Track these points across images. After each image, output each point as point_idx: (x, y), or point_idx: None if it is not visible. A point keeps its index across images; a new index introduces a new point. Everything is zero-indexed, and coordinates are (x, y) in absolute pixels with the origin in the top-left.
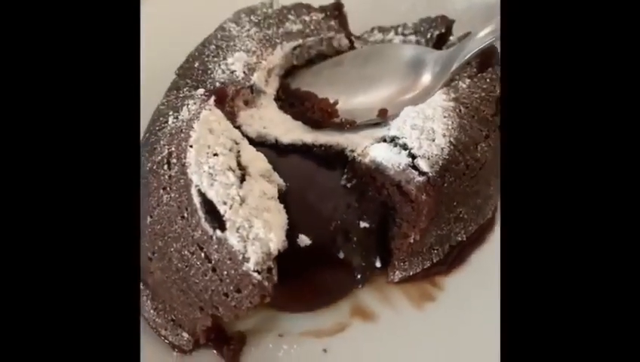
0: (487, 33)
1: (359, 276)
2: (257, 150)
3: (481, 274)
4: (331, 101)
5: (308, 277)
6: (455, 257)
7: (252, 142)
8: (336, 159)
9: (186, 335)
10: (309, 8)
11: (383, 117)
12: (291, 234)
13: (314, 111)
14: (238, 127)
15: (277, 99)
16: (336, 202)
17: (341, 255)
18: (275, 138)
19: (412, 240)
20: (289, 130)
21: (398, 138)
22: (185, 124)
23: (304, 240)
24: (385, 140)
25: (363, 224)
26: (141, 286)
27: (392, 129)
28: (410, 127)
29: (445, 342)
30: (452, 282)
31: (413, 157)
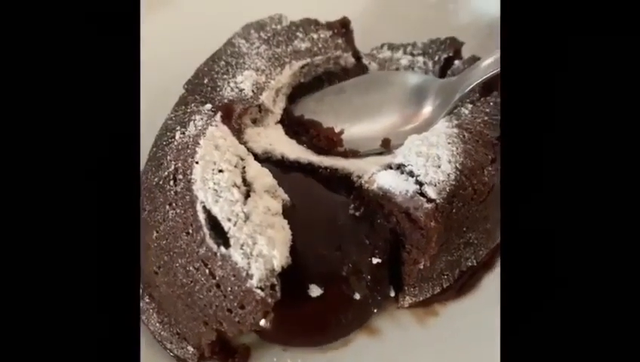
0: (490, 63)
1: (375, 310)
2: (263, 165)
3: (485, 291)
4: (336, 130)
5: (320, 319)
6: (465, 282)
7: (258, 158)
8: (341, 183)
9: (191, 348)
10: (316, 25)
11: (386, 147)
12: (301, 282)
13: (319, 140)
14: (244, 144)
15: (281, 121)
16: (345, 240)
17: (357, 296)
18: (281, 155)
19: (422, 266)
20: (295, 150)
21: (405, 165)
22: (191, 139)
23: (315, 290)
24: (391, 167)
25: (375, 260)
26: (147, 300)
27: (398, 156)
28: (416, 154)
29: (449, 357)
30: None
31: (421, 184)
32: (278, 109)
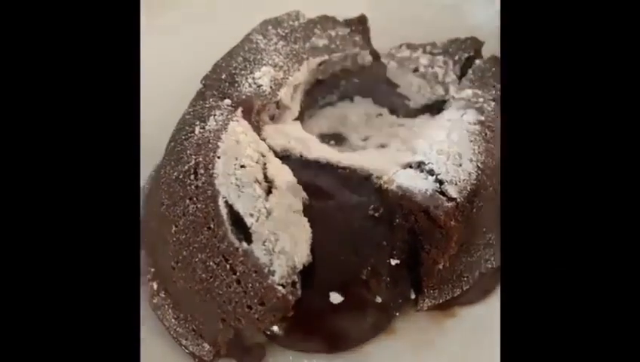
0: None
1: (397, 313)
2: (282, 163)
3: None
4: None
5: (342, 325)
6: (487, 286)
7: (276, 155)
8: (360, 183)
9: (207, 345)
10: (334, 22)
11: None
12: (321, 288)
13: None
14: (263, 140)
15: (299, 117)
16: (364, 242)
17: (378, 299)
18: (299, 153)
19: (441, 267)
20: (313, 148)
21: (425, 164)
22: (212, 134)
23: (336, 297)
24: (411, 166)
25: (394, 261)
26: (163, 295)
27: (418, 154)
28: (437, 152)
29: (467, 357)
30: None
31: (441, 182)
32: (295, 106)
